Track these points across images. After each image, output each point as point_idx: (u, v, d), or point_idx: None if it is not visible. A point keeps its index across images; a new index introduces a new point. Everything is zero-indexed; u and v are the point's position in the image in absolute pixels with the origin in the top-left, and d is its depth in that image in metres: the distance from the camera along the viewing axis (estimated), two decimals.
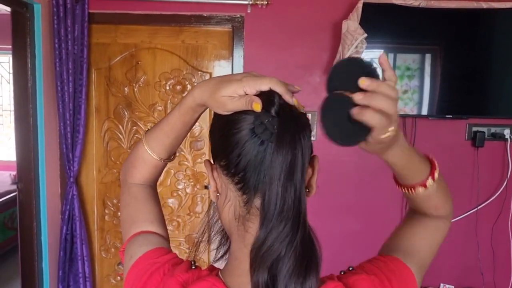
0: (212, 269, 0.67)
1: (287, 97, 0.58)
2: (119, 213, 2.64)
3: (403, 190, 0.71)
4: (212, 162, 0.66)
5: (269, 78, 0.59)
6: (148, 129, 0.77)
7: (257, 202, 0.59)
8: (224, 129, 0.61)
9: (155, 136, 0.74)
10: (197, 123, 0.74)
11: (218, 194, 0.65)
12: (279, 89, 0.58)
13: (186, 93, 0.69)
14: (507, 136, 2.46)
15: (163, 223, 0.79)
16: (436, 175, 0.67)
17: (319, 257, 0.57)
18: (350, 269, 0.68)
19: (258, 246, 0.55)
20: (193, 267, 0.66)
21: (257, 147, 0.58)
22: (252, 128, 0.58)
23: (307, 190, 0.64)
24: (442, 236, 0.78)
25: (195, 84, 2.54)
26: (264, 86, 0.58)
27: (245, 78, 0.59)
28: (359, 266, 0.69)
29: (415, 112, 2.36)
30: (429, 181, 0.67)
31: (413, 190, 0.69)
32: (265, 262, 0.55)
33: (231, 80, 0.60)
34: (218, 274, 0.65)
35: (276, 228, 0.55)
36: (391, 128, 0.54)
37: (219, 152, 0.63)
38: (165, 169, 0.85)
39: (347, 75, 0.55)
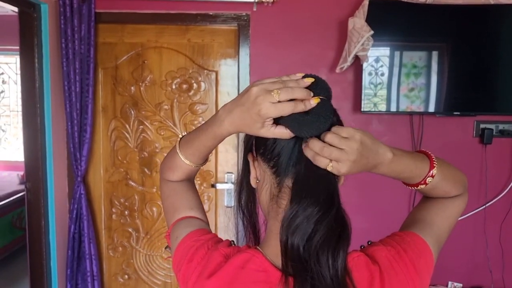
0: (249, 246, 0.76)
1: (302, 106, 0.64)
2: (126, 211, 2.65)
3: (409, 187, 0.80)
4: (254, 155, 0.76)
5: (287, 106, 0.63)
6: (182, 138, 0.84)
7: (288, 182, 0.69)
8: None
9: (191, 152, 0.81)
10: None
11: (257, 181, 0.76)
12: (300, 108, 0.64)
13: (214, 122, 0.74)
14: None
15: (202, 209, 0.89)
16: (434, 172, 0.75)
17: (349, 233, 0.66)
18: (369, 243, 0.77)
19: (288, 221, 0.63)
20: (232, 245, 0.77)
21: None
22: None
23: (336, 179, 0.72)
24: (458, 211, 0.85)
25: (201, 81, 2.54)
26: (287, 112, 0.64)
27: (264, 112, 0.63)
28: (378, 241, 0.77)
29: (422, 110, 2.35)
30: (429, 179, 0.75)
31: (416, 188, 0.77)
32: (298, 228, 0.63)
33: (255, 119, 0.65)
34: (256, 248, 0.73)
35: (306, 206, 0.63)
36: (330, 165, 0.64)
37: (259, 141, 0.73)
38: None
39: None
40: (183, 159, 0.82)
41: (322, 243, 0.62)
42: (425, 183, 0.75)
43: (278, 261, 0.68)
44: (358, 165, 0.64)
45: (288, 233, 0.63)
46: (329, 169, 0.64)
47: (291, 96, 0.63)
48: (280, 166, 0.69)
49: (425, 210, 0.84)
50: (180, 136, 0.85)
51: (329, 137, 0.63)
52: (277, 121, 0.65)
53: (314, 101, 0.64)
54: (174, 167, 0.86)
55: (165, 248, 2.63)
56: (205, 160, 0.85)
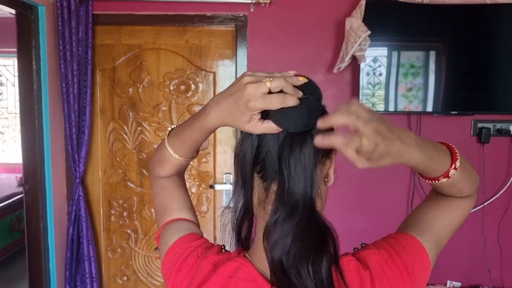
0: (239, 251, 0.75)
1: (294, 100, 0.61)
2: (124, 213, 2.65)
3: (427, 181, 0.73)
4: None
5: (276, 99, 0.60)
6: (171, 131, 0.80)
7: (274, 187, 0.67)
8: None
9: (179, 146, 0.78)
10: None
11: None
12: (290, 102, 0.61)
13: (201, 114, 0.70)
14: None
15: (191, 209, 0.87)
16: (457, 164, 0.68)
17: (332, 241, 0.63)
18: (363, 245, 0.75)
19: (268, 230, 0.63)
20: (223, 251, 0.75)
21: (275, 140, 0.65)
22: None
23: (326, 179, 0.70)
24: (464, 214, 0.79)
25: (199, 82, 2.54)
26: (275, 105, 0.61)
27: (252, 104, 0.60)
28: (372, 243, 0.75)
29: (420, 109, 2.36)
30: (452, 172, 0.69)
31: (437, 181, 0.71)
32: (276, 243, 0.62)
33: (242, 111, 0.62)
34: (245, 255, 0.72)
35: (282, 221, 0.62)
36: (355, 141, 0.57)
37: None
38: None
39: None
40: (171, 152, 0.79)
41: (300, 256, 0.60)
42: (448, 176, 0.69)
43: (267, 270, 0.67)
44: (385, 139, 0.57)
45: (268, 248, 0.62)
46: (364, 143, 0.56)
47: (283, 85, 0.60)
48: (267, 171, 0.67)
49: (429, 211, 0.80)
50: (170, 128, 0.81)
51: (340, 111, 0.58)
52: (264, 116, 0.63)
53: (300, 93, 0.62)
54: (163, 161, 0.82)
55: (155, 249, 2.64)
56: (195, 154, 0.81)
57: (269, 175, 0.67)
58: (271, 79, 0.60)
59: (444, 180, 0.69)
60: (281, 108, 0.61)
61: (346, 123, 0.57)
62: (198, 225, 0.85)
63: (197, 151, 0.82)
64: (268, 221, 0.63)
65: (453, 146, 0.71)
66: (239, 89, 0.61)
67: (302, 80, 0.64)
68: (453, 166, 0.68)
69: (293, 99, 0.61)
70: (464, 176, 0.71)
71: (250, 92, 0.60)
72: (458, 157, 0.69)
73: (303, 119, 0.62)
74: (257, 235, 0.72)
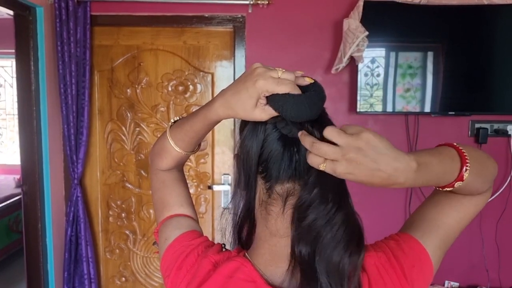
0: (239, 250, 0.74)
1: (299, 90, 0.62)
2: (123, 214, 2.65)
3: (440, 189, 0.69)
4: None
5: (284, 81, 0.61)
6: (173, 123, 0.80)
7: (277, 188, 0.66)
8: (251, 124, 0.68)
9: (180, 138, 0.77)
10: None
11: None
12: (296, 90, 0.62)
13: (206, 105, 0.69)
14: (510, 132, 2.46)
15: (191, 205, 0.86)
16: (465, 175, 0.62)
17: (362, 234, 0.63)
18: None
19: (298, 222, 0.62)
20: (223, 250, 0.74)
21: (277, 140, 0.65)
22: (275, 123, 0.65)
23: None
24: (475, 211, 0.73)
25: (197, 83, 2.54)
26: (283, 87, 0.61)
27: (262, 83, 0.61)
28: (372, 244, 0.73)
29: (417, 110, 2.36)
30: (457, 184, 0.63)
31: (440, 189, 0.67)
32: (308, 235, 0.61)
33: (250, 93, 0.62)
34: (245, 255, 0.72)
35: (317, 207, 0.61)
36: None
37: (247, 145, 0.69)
38: None
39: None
40: (172, 144, 0.77)
41: (335, 247, 0.60)
42: (452, 186, 0.63)
43: (267, 271, 0.67)
44: (362, 169, 0.54)
45: (299, 236, 0.61)
46: (321, 168, 0.56)
47: (293, 78, 0.62)
48: (269, 172, 0.66)
49: (435, 208, 0.74)
50: (172, 120, 0.81)
51: (328, 130, 0.56)
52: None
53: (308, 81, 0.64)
54: (163, 153, 0.81)
55: (153, 244, 2.64)
56: (195, 147, 0.80)
57: (272, 176, 0.66)
58: (282, 70, 0.62)
59: (448, 189, 0.65)
60: (283, 95, 0.61)
61: (333, 140, 0.55)
62: (197, 221, 0.84)
63: (198, 146, 0.81)
64: (302, 199, 0.62)
65: (463, 151, 0.64)
66: (249, 73, 0.63)
67: (308, 81, 0.65)
68: (460, 176, 0.62)
69: (298, 89, 0.62)
70: (474, 180, 0.64)
71: (260, 73, 0.62)
72: (467, 168, 0.62)
73: (301, 108, 0.62)
74: (258, 236, 0.71)
